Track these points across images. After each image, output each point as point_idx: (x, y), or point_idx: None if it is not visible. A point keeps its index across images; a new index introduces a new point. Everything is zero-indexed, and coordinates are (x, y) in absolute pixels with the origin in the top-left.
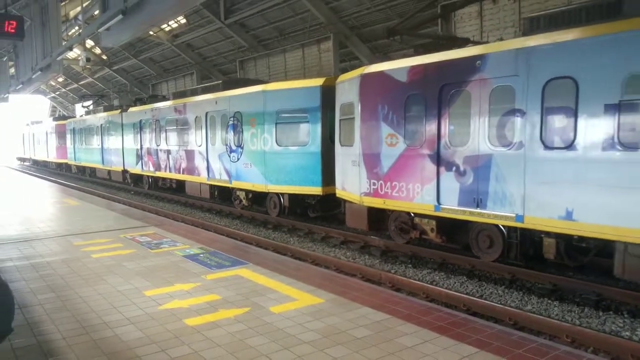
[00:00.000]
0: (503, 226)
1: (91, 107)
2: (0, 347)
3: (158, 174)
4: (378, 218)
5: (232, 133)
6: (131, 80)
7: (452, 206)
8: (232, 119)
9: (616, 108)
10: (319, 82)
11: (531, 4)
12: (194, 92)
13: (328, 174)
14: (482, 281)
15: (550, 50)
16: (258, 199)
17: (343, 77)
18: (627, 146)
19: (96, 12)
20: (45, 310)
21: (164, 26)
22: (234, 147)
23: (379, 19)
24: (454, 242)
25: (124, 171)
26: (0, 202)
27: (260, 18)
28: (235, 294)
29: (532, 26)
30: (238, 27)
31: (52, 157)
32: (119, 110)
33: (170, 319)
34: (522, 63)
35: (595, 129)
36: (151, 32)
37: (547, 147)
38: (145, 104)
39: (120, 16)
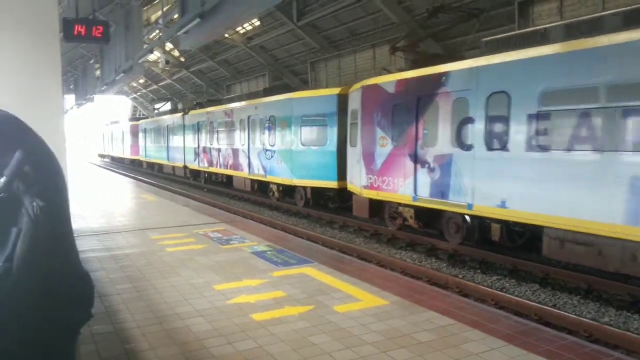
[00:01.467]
0: (464, 214)
1: (161, 109)
2: (82, 333)
3: (211, 169)
4: (377, 207)
5: (267, 134)
6: (207, 82)
7: (425, 197)
8: (267, 122)
9: (535, 117)
10: (335, 91)
11: None
12: (241, 98)
13: (342, 170)
14: (555, 290)
15: (491, 69)
16: (288, 191)
17: (353, 87)
18: (543, 148)
19: (175, 16)
20: (122, 299)
21: (238, 29)
22: (268, 147)
23: (454, 17)
24: (429, 227)
25: (185, 167)
26: (84, 196)
27: (332, 19)
28: (300, 291)
29: (488, 47)
30: (310, 28)
31: (127, 154)
32: (182, 113)
33: (238, 313)
34: (474, 80)
35: (521, 133)
36: (226, 35)
37: (489, 148)
38: (203, 107)
39: (198, 20)
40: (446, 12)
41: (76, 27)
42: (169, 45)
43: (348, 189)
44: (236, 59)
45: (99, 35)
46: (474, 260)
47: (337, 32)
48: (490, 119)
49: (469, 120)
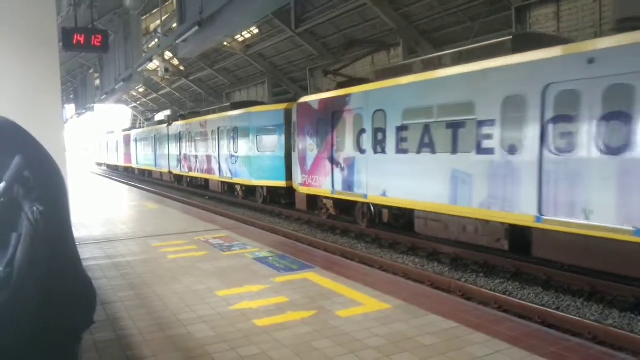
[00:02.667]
0: (374, 204)
1: (157, 118)
2: (84, 340)
3: (191, 174)
4: (313, 201)
5: (232, 142)
6: (206, 90)
7: (339, 191)
8: (232, 132)
9: (400, 128)
10: (283, 106)
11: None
12: (214, 112)
13: (289, 172)
14: (559, 292)
15: (375, 93)
16: (250, 191)
17: (293, 104)
18: (404, 151)
19: (174, 25)
20: (124, 307)
21: (237, 37)
22: (233, 153)
23: (451, 22)
24: (346, 214)
25: (170, 172)
26: (85, 205)
27: (330, 26)
28: (303, 296)
29: (376, 75)
30: (308, 35)
31: (121, 162)
32: (166, 124)
33: (240, 319)
34: (365, 100)
35: (392, 140)
36: (225, 43)
37: (375, 152)
38: (184, 119)
39: (196, 28)
40: (360, 45)
41: (75, 36)
42: (168, 54)
43: (293, 187)
44: (235, 66)
45: (98, 44)
46: (477, 264)
47: (335, 39)
48: (375, 130)
49: (363, 130)
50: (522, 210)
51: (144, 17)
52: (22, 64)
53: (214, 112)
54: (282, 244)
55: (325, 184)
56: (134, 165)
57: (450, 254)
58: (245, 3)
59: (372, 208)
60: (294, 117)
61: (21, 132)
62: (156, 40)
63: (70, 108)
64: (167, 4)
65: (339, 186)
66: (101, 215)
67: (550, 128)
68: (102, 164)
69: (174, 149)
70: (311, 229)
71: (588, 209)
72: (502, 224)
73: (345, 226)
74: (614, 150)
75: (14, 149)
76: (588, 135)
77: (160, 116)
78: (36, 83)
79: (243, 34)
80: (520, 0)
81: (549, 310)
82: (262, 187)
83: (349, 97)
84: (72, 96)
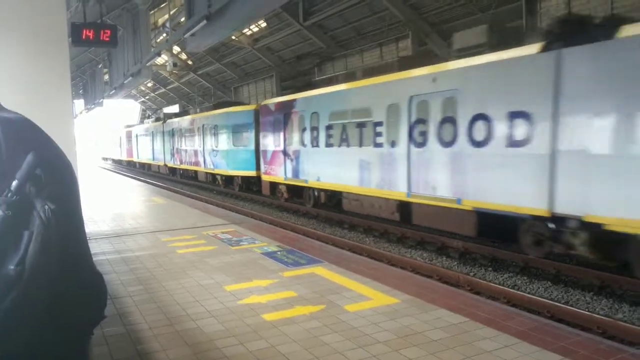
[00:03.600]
0: (313, 188)
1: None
2: (94, 334)
3: (182, 166)
4: (273, 187)
5: (214, 138)
6: (214, 84)
7: (290, 178)
8: (214, 129)
9: (328, 127)
10: (253, 107)
11: None
12: (200, 111)
13: (259, 164)
14: (568, 287)
15: (313, 98)
16: (229, 180)
17: (259, 104)
18: (330, 145)
19: (182, 19)
20: (134, 301)
21: (245, 30)
22: (215, 147)
23: (461, 14)
24: (297, 198)
25: (165, 165)
26: (94, 200)
27: (338, 18)
28: (311, 291)
29: (318, 83)
30: (316, 28)
31: (124, 156)
32: (162, 122)
33: (249, 314)
34: (305, 104)
35: (323, 136)
36: (233, 37)
37: (312, 146)
38: (178, 116)
39: (205, 22)
40: (307, 58)
41: (84, 31)
42: (176, 48)
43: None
44: (243, 60)
45: (107, 39)
46: (485, 258)
47: (344, 32)
48: (312, 128)
49: (305, 128)
50: (400, 189)
51: (152, 11)
52: (32, 59)
53: (200, 111)
54: (291, 238)
55: (280, 172)
56: (135, 159)
57: (459, 248)
58: None
59: (314, 192)
60: (259, 116)
61: (33, 128)
62: (164, 34)
63: (79, 103)
64: None
65: (289, 174)
66: (110, 210)
67: (414, 128)
68: (107, 158)
69: (168, 144)
70: (319, 223)
71: (433, 186)
72: (394, 200)
73: (354, 221)
74: (446, 143)
75: (26, 146)
76: (433, 133)
77: (168, 110)
78: (46, 78)
79: (251, 27)
80: None
81: (558, 304)
82: (237, 176)
83: (295, 101)
84: (81, 91)
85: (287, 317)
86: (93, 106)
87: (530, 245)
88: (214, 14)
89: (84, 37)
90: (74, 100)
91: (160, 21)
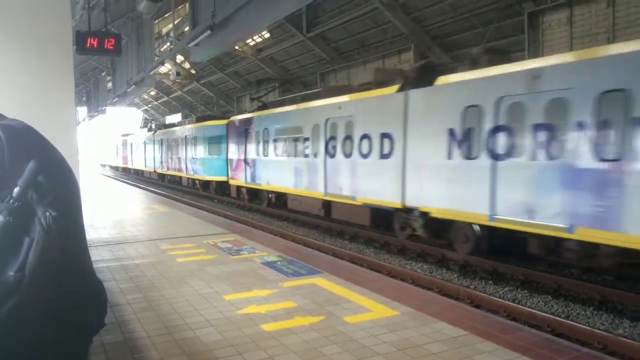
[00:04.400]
0: (265, 190)
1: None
2: (93, 342)
3: (168, 172)
4: (238, 190)
5: (194, 148)
6: (217, 93)
7: (249, 182)
8: (193, 140)
9: (275, 140)
10: (225, 121)
11: (627, 8)
12: (183, 123)
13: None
14: (568, 301)
15: (264, 117)
16: (206, 185)
17: (229, 120)
18: (278, 155)
19: (186, 29)
20: (133, 309)
21: (248, 41)
22: (194, 156)
23: (463, 27)
24: (255, 199)
25: (155, 171)
26: (96, 207)
27: (341, 30)
28: (311, 302)
29: (269, 105)
30: (319, 39)
31: (120, 163)
32: (152, 132)
33: (248, 324)
34: (259, 122)
35: (272, 148)
36: (237, 47)
37: (264, 155)
38: (167, 128)
39: (209, 32)
40: (267, 82)
41: (89, 39)
42: (179, 58)
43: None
44: (246, 70)
45: (111, 47)
46: (485, 271)
47: (347, 43)
48: (264, 141)
49: (259, 141)
50: (319, 190)
51: (157, 20)
52: (36, 67)
53: (184, 124)
54: (291, 248)
55: (242, 177)
56: (129, 165)
57: (459, 260)
58: (258, 8)
59: (267, 193)
60: (228, 129)
61: (36, 136)
62: (168, 43)
63: (82, 110)
64: (179, 8)
65: (249, 179)
66: (110, 217)
67: (328, 143)
68: (105, 165)
69: (157, 152)
70: (320, 234)
71: (340, 187)
72: (318, 199)
73: (355, 231)
74: (347, 155)
75: (29, 153)
76: (339, 147)
77: (170, 119)
78: (50, 86)
79: (254, 38)
80: (533, 5)
81: (558, 319)
82: (212, 181)
83: (253, 119)
84: (84, 98)
85: (286, 327)
86: (96, 114)
87: (399, 230)
88: (218, 24)
89: (88, 45)
90: (77, 108)
91: (164, 30)
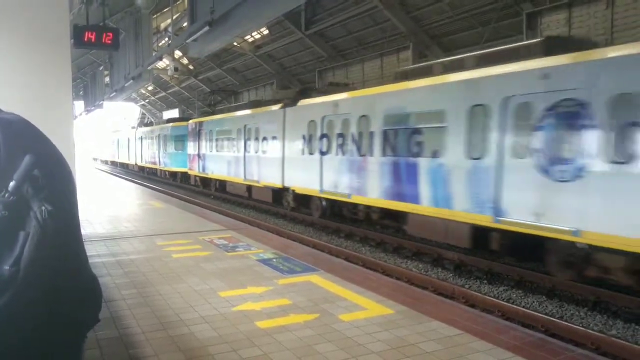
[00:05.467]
0: (211, 178)
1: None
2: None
3: (146, 165)
4: (194, 178)
5: (165, 144)
6: (215, 90)
7: (202, 172)
8: (165, 137)
9: (216, 139)
10: (186, 123)
11: (625, 9)
12: (158, 123)
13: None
14: (562, 301)
15: (210, 122)
16: (173, 176)
17: (188, 122)
18: (220, 151)
19: (185, 24)
20: (127, 305)
21: (247, 37)
22: (166, 151)
23: (462, 27)
24: (206, 187)
25: (136, 164)
26: (91, 201)
27: (340, 28)
28: (306, 299)
29: (216, 112)
30: (318, 37)
31: (109, 157)
32: (135, 130)
33: (243, 320)
34: (207, 125)
35: (215, 146)
36: (235, 43)
37: (210, 151)
38: (146, 127)
39: (207, 27)
40: (218, 93)
41: (86, 33)
42: (177, 53)
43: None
44: (244, 67)
45: (109, 42)
46: (480, 271)
47: (345, 41)
48: (209, 140)
49: (207, 140)
50: (242, 177)
51: (155, 15)
52: (34, 60)
53: (158, 123)
54: (287, 245)
55: (196, 168)
56: (116, 159)
57: (454, 260)
58: (257, 4)
59: (214, 182)
60: (188, 130)
61: (32, 130)
62: (166, 39)
63: (79, 105)
64: (178, 3)
65: (201, 170)
66: (106, 212)
67: (246, 143)
68: (96, 158)
69: (138, 148)
70: (316, 232)
71: (253, 174)
72: (243, 184)
73: (350, 230)
74: (256, 152)
75: (25, 147)
76: (252, 145)
77: (167, 115)
78: (47, 79)
79: (253, 34)
80: (532, 6)
81: (552, 319)
82: (177, 172)
83: (203, 122)
84: (81, 93)
85: (281, 325)
86: (93, 108)
87: (285, 203)
88: (217, 20)
89: (85, 39)
90: (74, 102)
91: (163, 25)
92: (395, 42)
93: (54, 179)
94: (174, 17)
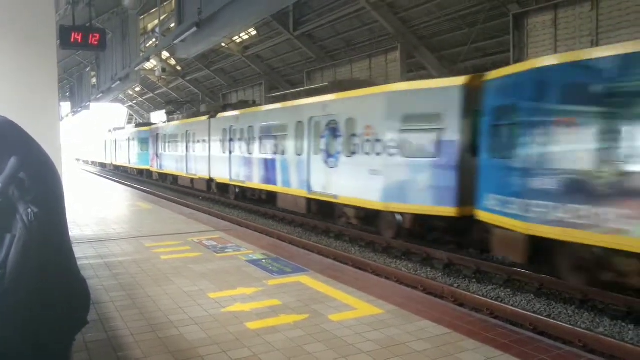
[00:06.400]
0: (166, 174)
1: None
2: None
3: (120, 163)
4: (154, 174)
5: (136, 145)
6: (203, 90)
7: (158, 168)
8: (134, 140)
9: (168, 142)
10: (149, 128)
11: (610, 11)
12: (128, 127)
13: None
14: (550, 300)
15: (163, 127)
16: (140, 172)
17: (151, 127)
18: (172, 151)
19: (172, 25)
20: (116, 307)
21: (235, 38)
22: (135, 151)
23: (449, 28)
24: (164, 180)
25: (111, 163)
26: (79, 203)
27: (328, 29)
28: (296, 300)
29: (167, 121)
30: (306, 38)
31: (89, 157)
32: (110, 133)
33: (232, 322)
34: (155, 132)
35: (167, 147)
36: (223, 44)
37: (163, 152)
38: (118, 130)
39: (195, 28)
40: (175, 105)
41: (73, 34)
42: (165, 54)
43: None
44: (232, 68)
45: (96, 43)
46: (469, 270)
47: (333, 42)
48: (163, 142)
49: (162, 142)
50: (185, 172)
51: (142, 16)
52: (19, 61)
53: (128, 128)
54: (276, 246)
55: (156, 165)
56: (95, 159)
57: (444, 259)
58: (245, 5)
59: (169, 176)
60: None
61: (18, 132)
62: (154, 39)
63: (65, 106)
64: (165, 4)
65: (158, 167)
66: (94, 214)
67: (187, 145)
68: (79, 159)
69: (113, 148)
70: (305, 232)
71: (191, 169)
72: (187, 177)
73: (340, 230)
74: (194, 151)
75: (11, 149)
76: (192, 147)
77: (155, 116)
78: (33, 80)
79: (241, 35)
80: (518, 7)
81: (540, 317)
82: (143, 169)
83: (159, 128)
84: (67, 94)
85: (271, 325)
86: (80, 109)
87: (214, 191)
88: (205, 21)
89: (72, 40)
90: (60, 103)
91: (150, 26)
92: (384, 43)
93: (40, 182)
94: (162, 18)
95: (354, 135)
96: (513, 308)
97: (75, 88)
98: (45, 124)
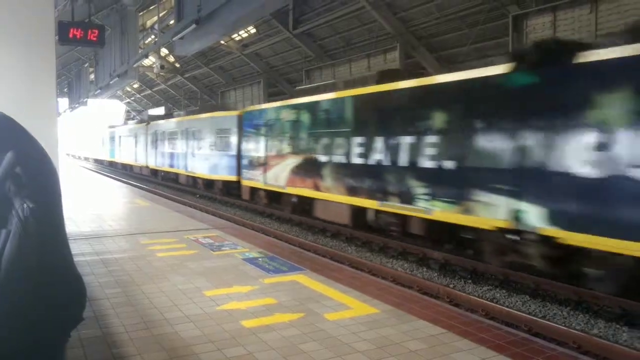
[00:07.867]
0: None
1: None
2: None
3: (102, 157)
4: (149, 171)
5: (117, 142)
6: (201, 88)
7: (153, 165)
8: (114, 138)
9: (160, 140)
10: (140, 125)
11: (609, 14)
12: (111, 127)
13: (135, 157)
14: (545, 301)
15: (155, 125)
16: (124, 166)
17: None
18: (159, 149)
19: (171, 22)
20: (111, 304)
21: (234, 36)
22: (115, 148)
23: (448, 28)
24: (155, 176)
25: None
26: (75, 199)
27: (327, 28)
28: (291, 299)
29: (150, 119)
30: (305, 37)
31: (82, 152)
32: (106, 130)
33: (228, 320)
34: (143, 130)
35: (159, 146)
36: (222, 42)
37: (153, 148)
38: (112, 127)
39: (194, 26)
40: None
41: (72, 30)
42: (164, 51)
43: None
44: (231, 65)
45: (94, 38)
46: (465, 270)
47: (332, 41)
48: (157, 140)
49: (153, 140)
50: (149, 163)
51: (141, 13)
52: (17, 56)
53: (113, 127)
54: (273, 245)
55: (151, 162)
56: (88, 155)
57: (440, 259)
58: (244, 3)
59: (160, 172)
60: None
61: (15, 127)
62: (153, 36)
63: (63, 102)
64: (164, 0)
65: (152, 163)
66: (90, 210)
67: (152, 142)
68: (69, 154)
69: (100, 145)
70: (302, 231)
71: (163, 163)
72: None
73: (337, 229)
74: (153, 147)
75: (7, 144)
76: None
77: (153, 112)
78: (31, 76)
79: (240, 33)
80: (518, 8)
81: (535, 318)
82: (126, 164)
83: (138, 128)
84: (65, 90)
85: (266, 324)
86: (77, 105)
87: (160, 178)
88: (204, 18)
89: (71, 35)
90: (58, 99)
91: (149, 23)
92: (383, 43)
93: (36, 177)
94: (161, 15)
95: (201, 139)
96: (508, 309)
97: (73, 83)
98: (43, 120)
